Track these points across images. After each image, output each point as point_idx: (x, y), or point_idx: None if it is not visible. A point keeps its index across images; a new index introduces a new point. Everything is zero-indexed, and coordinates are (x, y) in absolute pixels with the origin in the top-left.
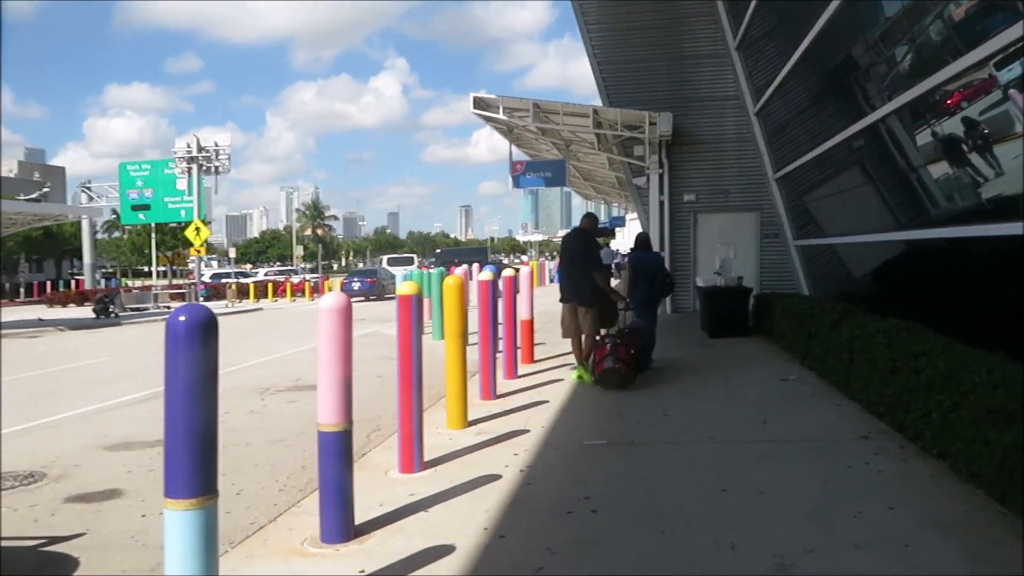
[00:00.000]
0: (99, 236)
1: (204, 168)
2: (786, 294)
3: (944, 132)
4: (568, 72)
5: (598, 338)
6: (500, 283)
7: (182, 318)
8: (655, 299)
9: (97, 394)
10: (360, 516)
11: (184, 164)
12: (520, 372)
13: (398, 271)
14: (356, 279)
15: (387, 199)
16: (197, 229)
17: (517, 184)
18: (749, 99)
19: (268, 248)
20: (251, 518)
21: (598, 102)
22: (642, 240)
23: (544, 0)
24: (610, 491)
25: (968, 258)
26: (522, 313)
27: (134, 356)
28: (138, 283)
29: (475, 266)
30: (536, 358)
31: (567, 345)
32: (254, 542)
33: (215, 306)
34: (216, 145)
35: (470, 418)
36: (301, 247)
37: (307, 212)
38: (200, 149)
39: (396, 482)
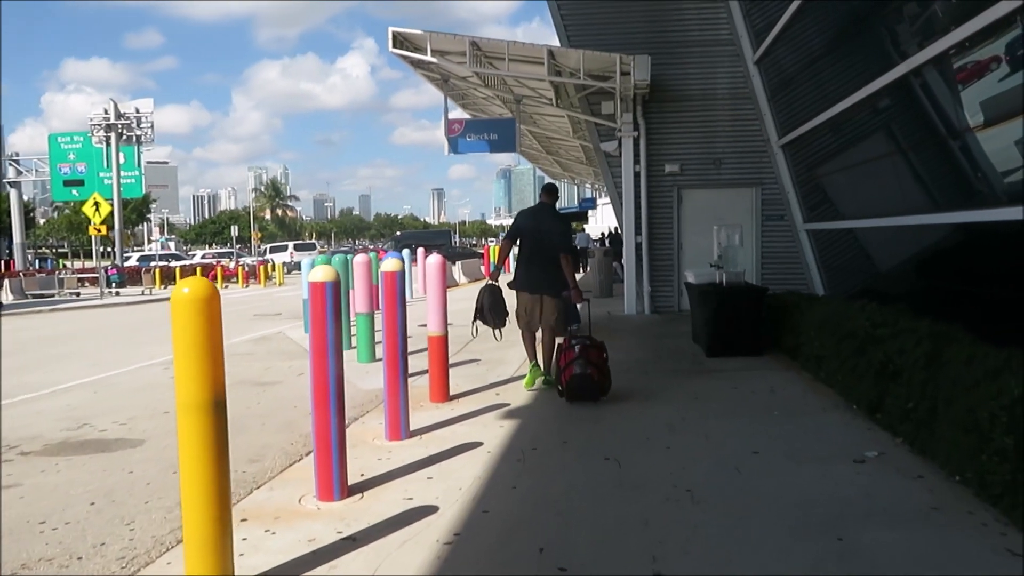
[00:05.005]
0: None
1: (124, 137)
2: (820, 297)
3: (1003, 86)
4: None
5: (561, 341)
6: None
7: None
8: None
9: None
10: None
11: (101, 132)
12: (421, 423)
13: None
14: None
15: (357, 181)
16: (96, 204)
17: (455, 148)
18: (747, 44)
19: (224, 229)
20: None
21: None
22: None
23: None
24: None
25: None
26: (431, 326)
27: None
28: (79, 264)
29: (420, 252)
30: (455, 392)
31: (505, 364)
32: None
33: (129, 293)
34: (137, 112)
35: (269, 566)
36: (236, 228)
37: (266, 192)
38: (119, 116)
39: None
